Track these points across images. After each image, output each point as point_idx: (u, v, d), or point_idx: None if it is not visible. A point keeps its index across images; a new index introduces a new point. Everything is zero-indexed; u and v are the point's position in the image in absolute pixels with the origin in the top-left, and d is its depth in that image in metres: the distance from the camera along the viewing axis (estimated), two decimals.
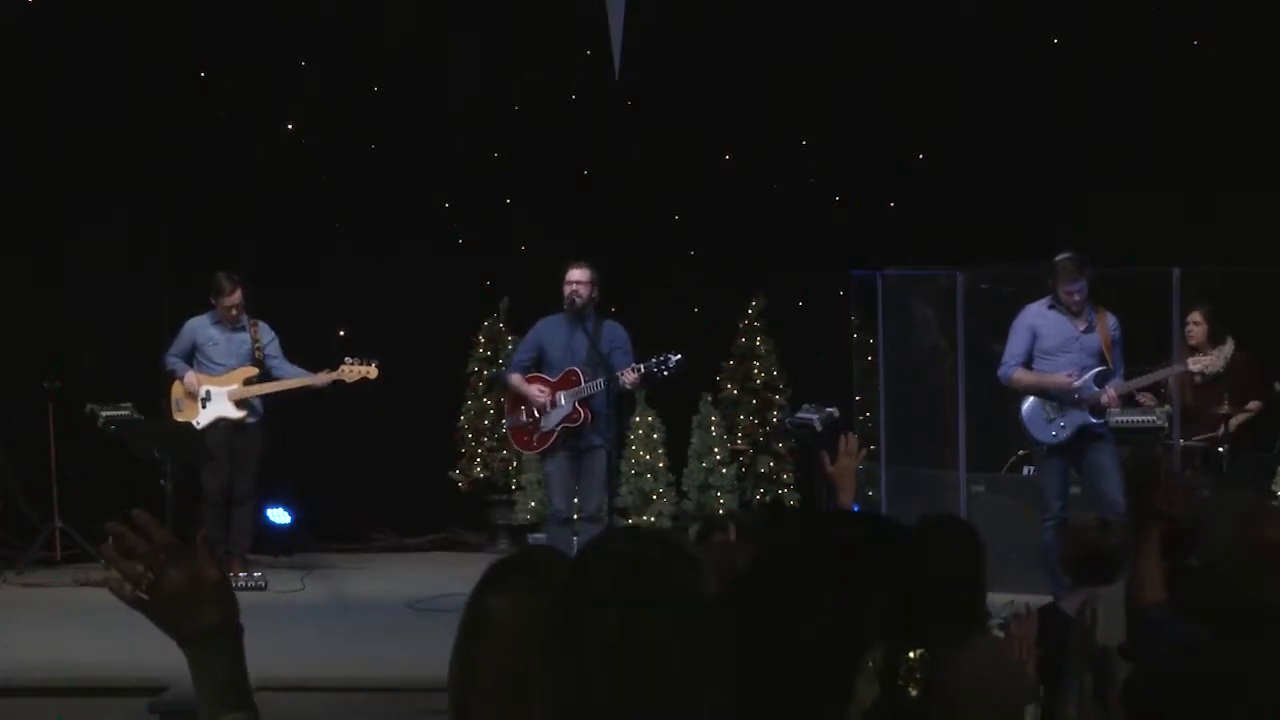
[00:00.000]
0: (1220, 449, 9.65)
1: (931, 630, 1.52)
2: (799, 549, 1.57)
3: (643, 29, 11.33)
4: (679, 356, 8.63)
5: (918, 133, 11.40)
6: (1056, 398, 8.72)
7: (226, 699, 1.98)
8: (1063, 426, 8.67)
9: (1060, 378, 8.67)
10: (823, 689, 1.46)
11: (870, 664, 1.46)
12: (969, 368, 9.98)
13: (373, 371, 9.80)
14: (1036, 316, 8.82)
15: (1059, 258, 8.67)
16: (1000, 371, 8.87)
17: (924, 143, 11.52)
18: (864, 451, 4.67)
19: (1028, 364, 8.79)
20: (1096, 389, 8.68)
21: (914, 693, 1.45)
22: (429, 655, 6.68)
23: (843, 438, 4.98)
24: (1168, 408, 9.44)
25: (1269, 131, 10.76)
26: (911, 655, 1.46)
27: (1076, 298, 8.65)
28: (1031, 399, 8.80)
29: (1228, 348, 9.84)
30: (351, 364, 9.82)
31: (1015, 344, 8.82)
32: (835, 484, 4.92)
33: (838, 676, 1.46)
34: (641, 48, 11.39)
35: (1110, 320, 8.83)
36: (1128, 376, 8.93)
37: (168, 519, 8.88)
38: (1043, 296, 8.84)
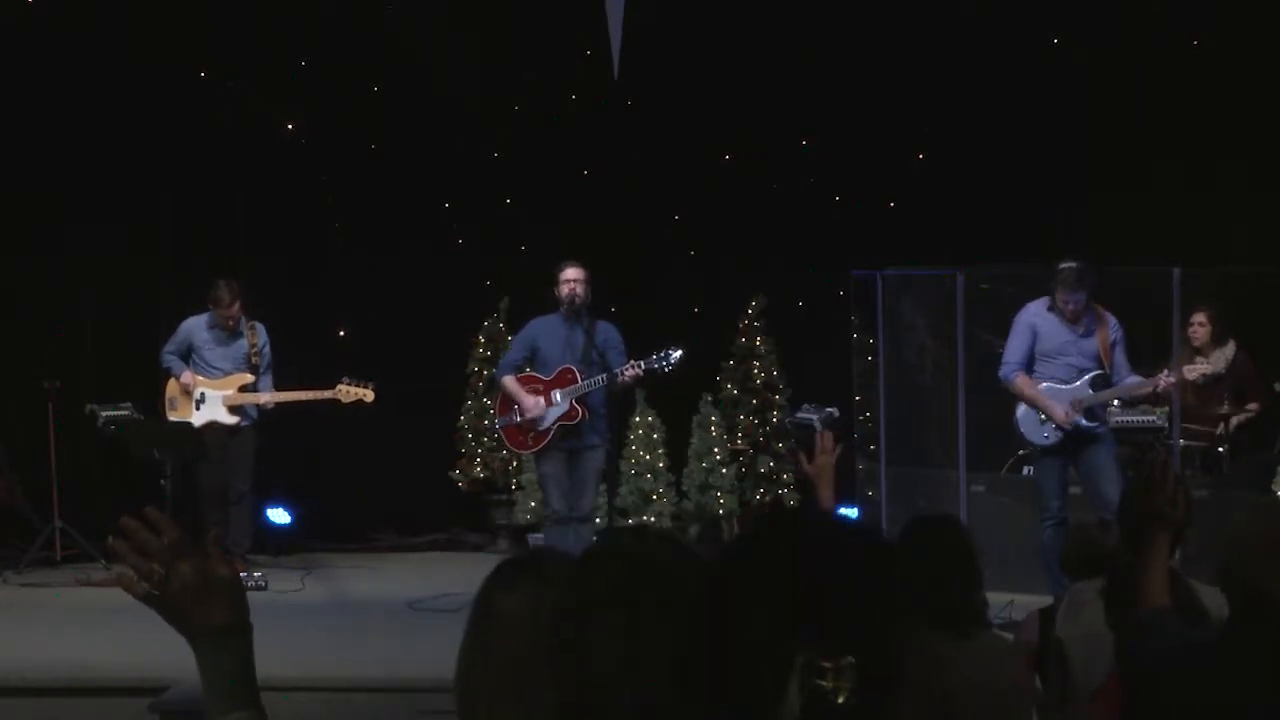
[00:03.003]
0: (1220, 449, 9.64)
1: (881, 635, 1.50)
2: (768, 549, 1.56)
3: (643, 29, 11.33)
4: (680, 352, 8.62)
5: (918, 133, 11.39)
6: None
7: (234, 697, 1.97)
8: (1055, 429, 8.64)
9: (1060, 414, 8.57)
10: (758, 690, 1.45)
11: (800, 667, 1.44)
12: (969, 368, 9.96)
13: (369, 394, 9.79)
14: (1036, 316, 8.77)
15: (1062, 266, 8.54)
16: (1001, 372, 8.80)
17: (924, 143, 11.51)
18: (840, 448, 4.71)
19: (1028, 363, 8.76)
20: (1092, 393, 8.66)
21: (841, 700, 1.44)
22: (429, 655, 6.71)
23: (819, 436, 5.06)
24: (1167, 408, 9.42)
25: (1269, 131, 10.75)
26: (839, 661, 1.44)
27: (1072, 307, 8.59)
28: None
29: (1229, 348, 9.83)
30: (348, 385, 9.82)
31: (1016, 344, 8.76)
32: (813, 482, 5.00)
33: (774, 678, 1.44)
34: (641, 48, 11.39)
35: (1110, 321, 8.78)
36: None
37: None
38: (1043, 296, 8.81)
